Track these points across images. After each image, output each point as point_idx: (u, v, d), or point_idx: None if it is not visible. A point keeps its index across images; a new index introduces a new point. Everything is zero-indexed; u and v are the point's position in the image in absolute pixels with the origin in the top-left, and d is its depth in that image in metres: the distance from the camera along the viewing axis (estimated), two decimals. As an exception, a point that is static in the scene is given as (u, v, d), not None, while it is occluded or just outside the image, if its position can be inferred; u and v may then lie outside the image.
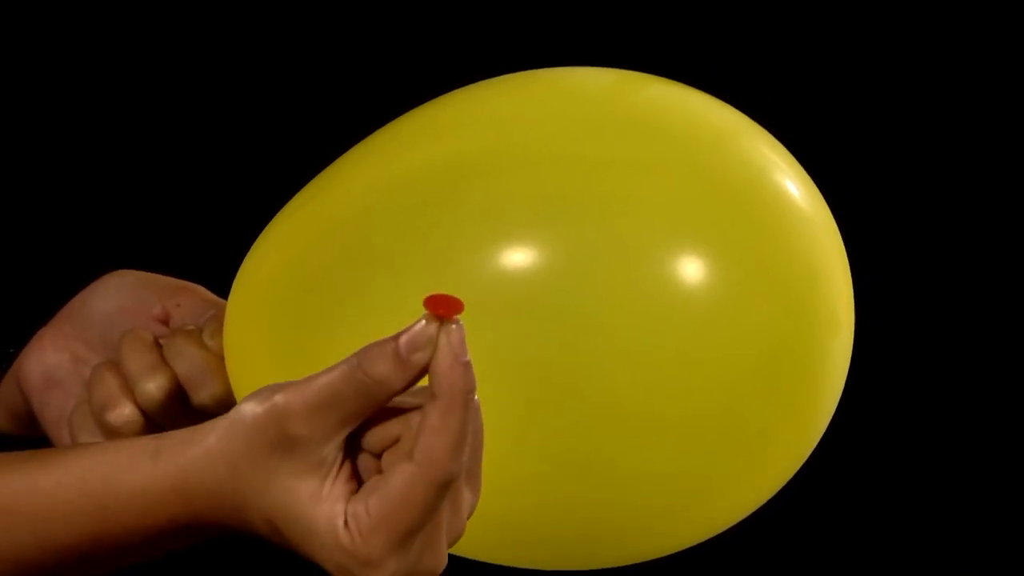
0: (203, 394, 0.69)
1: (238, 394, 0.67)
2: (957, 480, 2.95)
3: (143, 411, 0.70)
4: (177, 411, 0.70)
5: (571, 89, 0.67)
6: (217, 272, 0.78)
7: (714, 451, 0.63)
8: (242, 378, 0.67)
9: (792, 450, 0.66)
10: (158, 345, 0.71)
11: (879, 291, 2.90)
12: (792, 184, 0.66)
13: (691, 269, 0.62)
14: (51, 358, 0.74)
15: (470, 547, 0.66)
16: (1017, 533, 2.87)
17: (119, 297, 0.74)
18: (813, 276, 0.64)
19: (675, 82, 0.69)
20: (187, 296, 0.74)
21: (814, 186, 0.67)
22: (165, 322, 0.73)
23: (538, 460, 0.62)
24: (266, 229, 0.68)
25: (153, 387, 0.70)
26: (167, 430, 0.70)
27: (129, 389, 0.70)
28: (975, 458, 2.97)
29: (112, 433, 0.70)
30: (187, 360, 0.70)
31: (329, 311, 0.63)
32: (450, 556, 0.60)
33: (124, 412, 0.70)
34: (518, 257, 0.61)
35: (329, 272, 0.64)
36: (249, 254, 0.68)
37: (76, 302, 0.75)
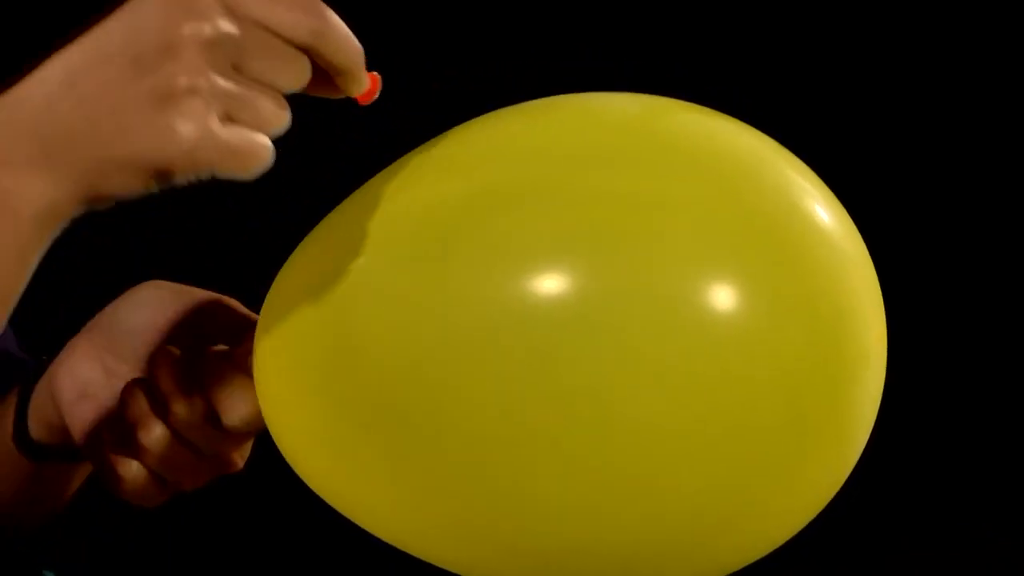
0: (233, 417, 0.70)
1: (267, 416, 0.67)
2: (955, 479, 2.95)
3: (174, 431, 0.71)
4: (209, 432, 0.71)
5: (598, 117, 0.67)
6: (250, 284, 0.78)
7: (742, 482, 0.63)
8: (272, 399, 0.67)
9: (822, 481, 0.66)
10: (190, 364, 0.72)
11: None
12: (825, 215, 0.65)
13: (721, 300, 0.61)
14: (82, 370, 0.74)
15: (476, 568, 0.66)
16: (1015, 532, 2.88)
17: (151, 311, 0.75)
18: (845, 309, 0.64)
19: (703, 108, 0.68)
20: (220, 310, 0.75)
21: (847, 216, 0.67)
22: (198, 336, 0.74)
23: (567, 489, 0.62)
24: (297, 250, 0.69)
25: (184, 409, 0.70)
26: (199, 449, 0.71)
27: (160, 409, 0.71)
28: (973, 456, 2.97)
29: (143, 452, 0.71)
30: (217, 383, 0.70)
31: (359, 338, 0.63)
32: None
33: (155, 432, 0.70)
34: (546, 288, 0.61)
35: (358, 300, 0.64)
36: (279, 276, 0.68)
37: (108, 313, 0.76)
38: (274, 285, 0.68)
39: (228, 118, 0.58)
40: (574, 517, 0.62)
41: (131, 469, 0.72)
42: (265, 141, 0.59)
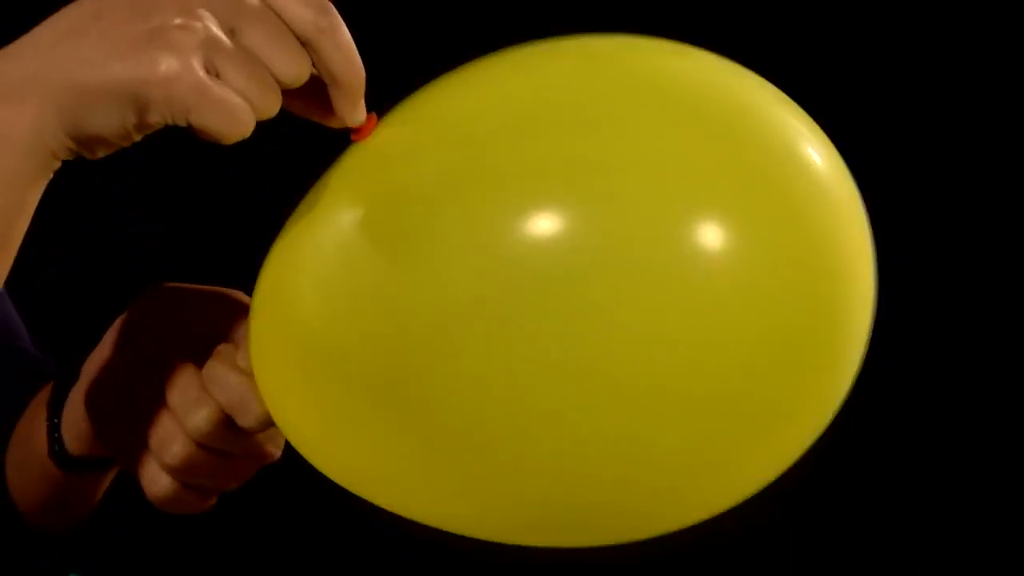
0: (247, 419, 0.70)
1: (273, 411, 0.67)
2: (954, 479, 2.95)
3: (196, 442, 0.71)
4: (229, 436, 0.71)
5: (587, 61, 0.66)
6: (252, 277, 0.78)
7: (731, 423, 0.63)
8: (272, 391, 0.67)
9: (810, 421, 0.66)
10: (197, 372, 0.71)
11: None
12: (818, 156, 0.65)
13: (711, 239, 0.61)
14: (100, 389, 0.74)
15: (488, 527, 0.66)
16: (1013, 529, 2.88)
17: (157, 322, 0.74)
18: (835, 249, 0.64)
19: (694, 48, 0.68)
20: (223, 307, 0.75)
21: (837, 155, 0.67)
22: (210, 335, 0.73)
23: (553, 434, 0.62)
24: (279, 240, 0.68)
25: (199, 420, 0.70)
26: (228, 453, 0.71)
27: (179, 424, 0.71)
28: (972, 456, 2.97)
29: (172, 469, 0.71)
30: (225, 389, 0.70)
31: (349, 314, 0.63)
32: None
33: (177, 449, 0.70)
34: (535, 234, 0.61)
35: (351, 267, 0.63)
36: (263, 271, 0.68)
37: (118, 328, 0.75)
38: (259, 280, 0.68)
39: (215, 73, 0.58)
40: (571, 458, 0.62)
41: (165, 485, 0.72)
42: (246, 107, 0.58)
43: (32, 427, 0.78)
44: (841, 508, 2.92)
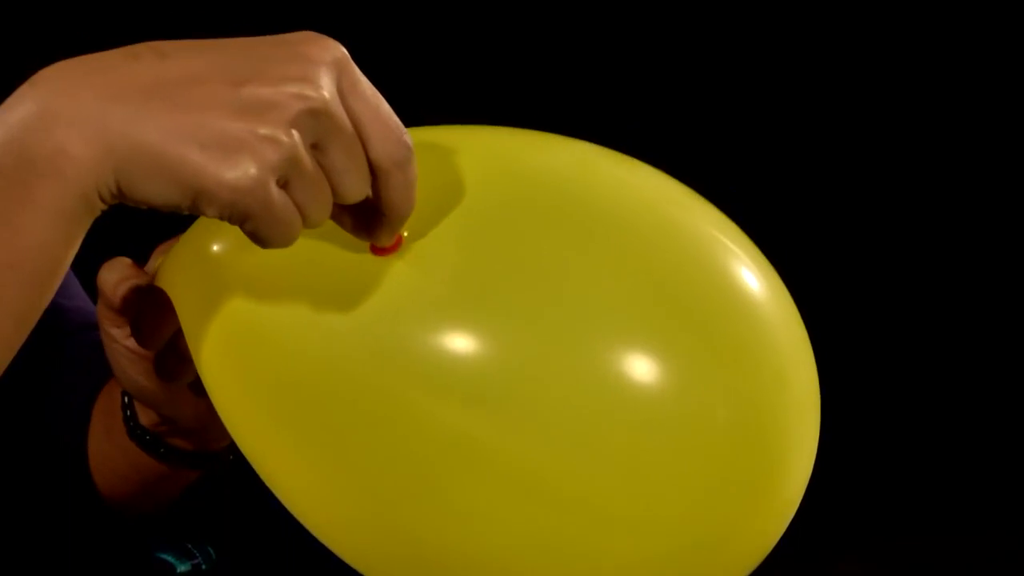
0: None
1: (221, 414, 0.67)
2: (943, 468, 2.96)
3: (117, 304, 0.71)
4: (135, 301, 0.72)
5: (515, 171, 0.64)
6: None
7: (675, 545, 0.61)
8: (217, 393, 0.67)
9: (755, 542, 0.64)
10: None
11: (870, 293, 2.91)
12: (750, 277, 0.63)
13: (638, 370, 0.59)
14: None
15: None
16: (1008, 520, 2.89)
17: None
18: (775, 369, 0.62)
19: (625, 158, 0.66)
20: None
21: (775, 274, 0.65)
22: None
23: (482, 544, 0.61)
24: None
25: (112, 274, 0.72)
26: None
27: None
28: (960, 446, 2.98)
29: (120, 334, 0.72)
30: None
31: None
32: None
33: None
34: (454, 358, 0.59)
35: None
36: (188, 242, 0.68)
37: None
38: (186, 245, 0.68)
39: (284, 183, 0.57)
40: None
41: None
42: (300, 223, 0.58)
43: (110, 406, 0.81)
44: (830, 495, 2.93)
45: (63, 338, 0.86)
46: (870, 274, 2.91)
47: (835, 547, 2.83)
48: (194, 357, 0.66)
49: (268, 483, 0.65)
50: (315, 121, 0.57)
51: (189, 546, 0.86)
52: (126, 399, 0.79)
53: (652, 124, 2.61)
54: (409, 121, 0.61)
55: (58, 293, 0.85)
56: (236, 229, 0.59)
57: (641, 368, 0.60)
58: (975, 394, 3.03)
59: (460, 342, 0.60)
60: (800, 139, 2.82)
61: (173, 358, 0.73)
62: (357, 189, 0.59)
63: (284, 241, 0.58)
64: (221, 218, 0.56)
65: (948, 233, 2.92)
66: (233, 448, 0.71)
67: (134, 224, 0.88)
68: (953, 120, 2.83)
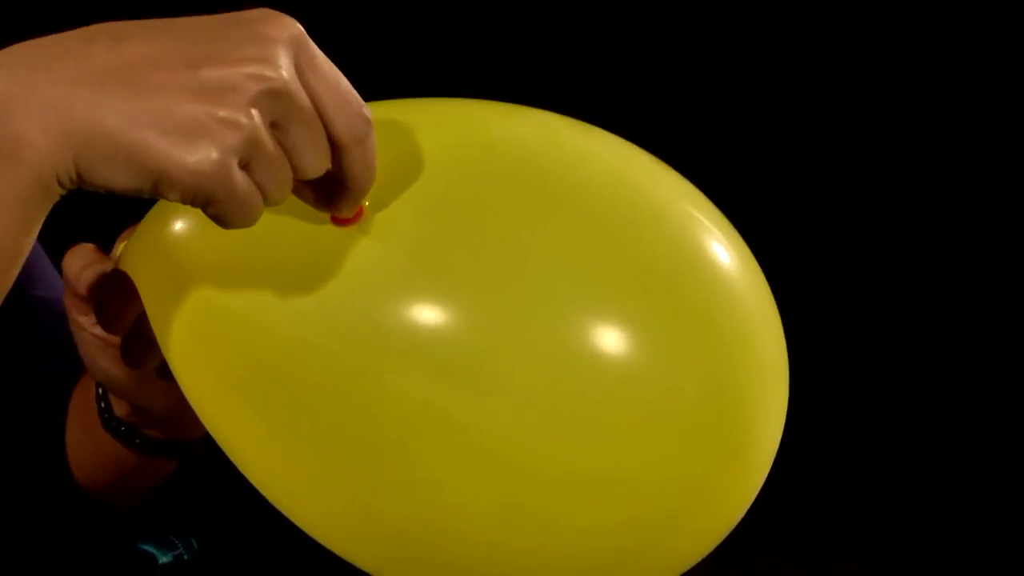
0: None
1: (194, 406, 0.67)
2: (918, 466, 2.97)
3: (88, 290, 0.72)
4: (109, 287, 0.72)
5: (487, 144, 0.64)
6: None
7: (649, 511, 0.61)
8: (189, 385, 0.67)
9: (724, 512, 0.64)
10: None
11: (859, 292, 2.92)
12: (722, 252, 0.63)
13: (608, 343, 0.60)
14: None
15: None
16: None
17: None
18: (742, 334, 0.63)
19: (596, 131, 0.66)
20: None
21: (748, 251, 0.66)
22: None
23: (457, 518, 0.61)
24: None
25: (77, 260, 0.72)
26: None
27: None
28: (936, 445, 2.99)
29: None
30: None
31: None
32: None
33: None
34: (426, 332, 0.59)
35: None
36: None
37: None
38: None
39: (245, 164, 0.57)
40: (461, 544, 0.62)
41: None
42: (261, 202, 0.58)
43: (86, 399, 0.81)
44: (805, 492, 2.94)
45: (46, 330, 0.87)
46: (870, 274, 2.92)
47: (832, 544, 2.84)
48: (159, 340, 0.67)
49: (237, 463, 0.65)
50: (274, 101, 0.57)
51: (171, 537, 0.86)
52: (100, 390, 0.79)
53: (641, 115, 2.62)
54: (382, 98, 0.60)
55: (41, 284, 0.84)
56: (196, 210, 0.59)
57: (607, 335, 0.60)
58: (975, 394, 3.04)
59: (424, 313, 0.60)
60: (796, 135, 2.83)
61: (139, 343, 0.73)
62: (318, 165, 0.59)
63: (247, 222, 0.58)
64: (183, 202, 0.56)
65: (944, 232, 2.94)
66: (208, 438, 0.70)
67: (103, 210, 0.88)
68: (952, 119, 2.84)
